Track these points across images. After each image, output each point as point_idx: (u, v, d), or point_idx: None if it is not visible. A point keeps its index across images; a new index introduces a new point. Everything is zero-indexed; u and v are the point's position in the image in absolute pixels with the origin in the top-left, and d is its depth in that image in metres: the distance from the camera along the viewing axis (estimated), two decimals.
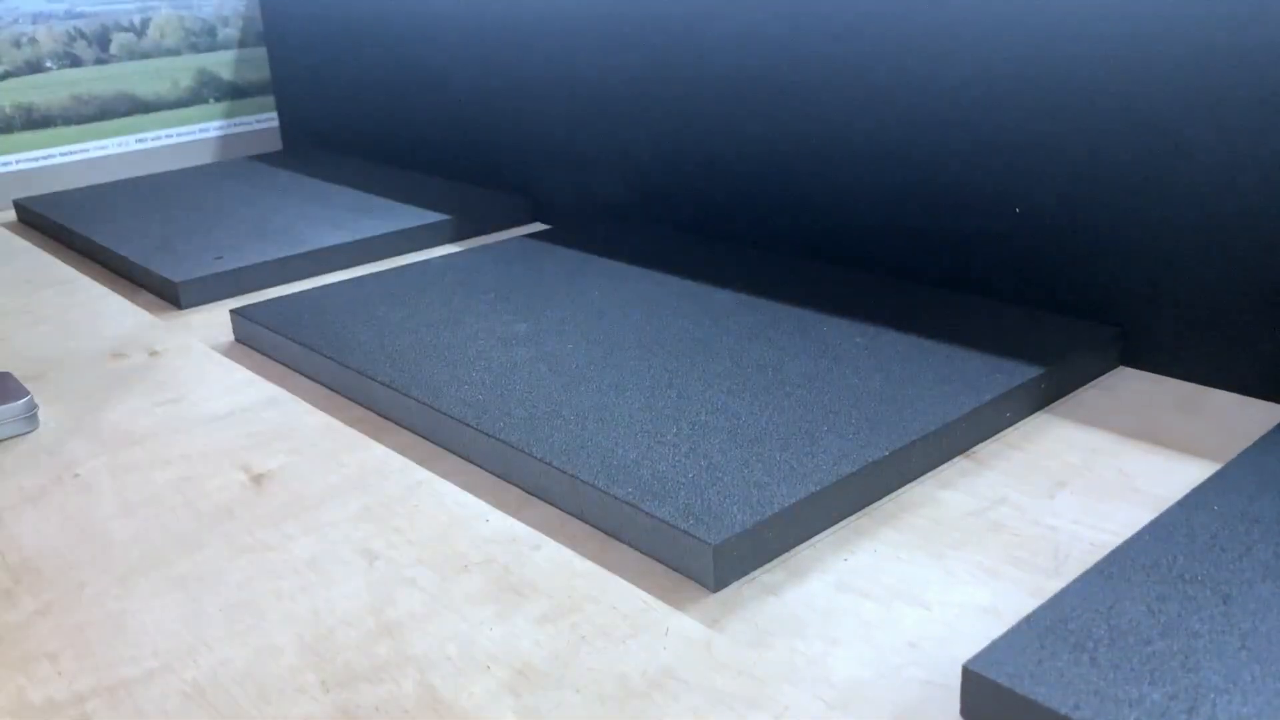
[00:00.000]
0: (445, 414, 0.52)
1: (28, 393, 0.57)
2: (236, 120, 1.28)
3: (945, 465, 0.49)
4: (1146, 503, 0.45)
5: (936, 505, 0.46)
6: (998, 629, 0.35)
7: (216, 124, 1.26)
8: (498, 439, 0.49)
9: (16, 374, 0.59)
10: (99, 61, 1.18)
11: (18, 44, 1.13)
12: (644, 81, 0.82)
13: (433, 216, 0.89)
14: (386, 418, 0.56)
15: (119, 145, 1.20)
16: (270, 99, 1.29)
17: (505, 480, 0.49)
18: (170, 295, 0.77)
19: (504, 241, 0.82)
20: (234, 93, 1.27)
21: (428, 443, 0.54)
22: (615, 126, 0.86)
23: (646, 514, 0.42)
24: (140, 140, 1.21)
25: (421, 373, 0.57)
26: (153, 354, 0.67)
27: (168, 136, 1.23)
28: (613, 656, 0.37)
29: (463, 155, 1.03)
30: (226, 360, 0.65)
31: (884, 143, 0.67)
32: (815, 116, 0.70)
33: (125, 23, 1.19)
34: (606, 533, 0.45)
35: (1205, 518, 0.40)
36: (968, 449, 0.50)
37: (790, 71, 0.71)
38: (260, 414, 0.57)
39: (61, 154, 1.17)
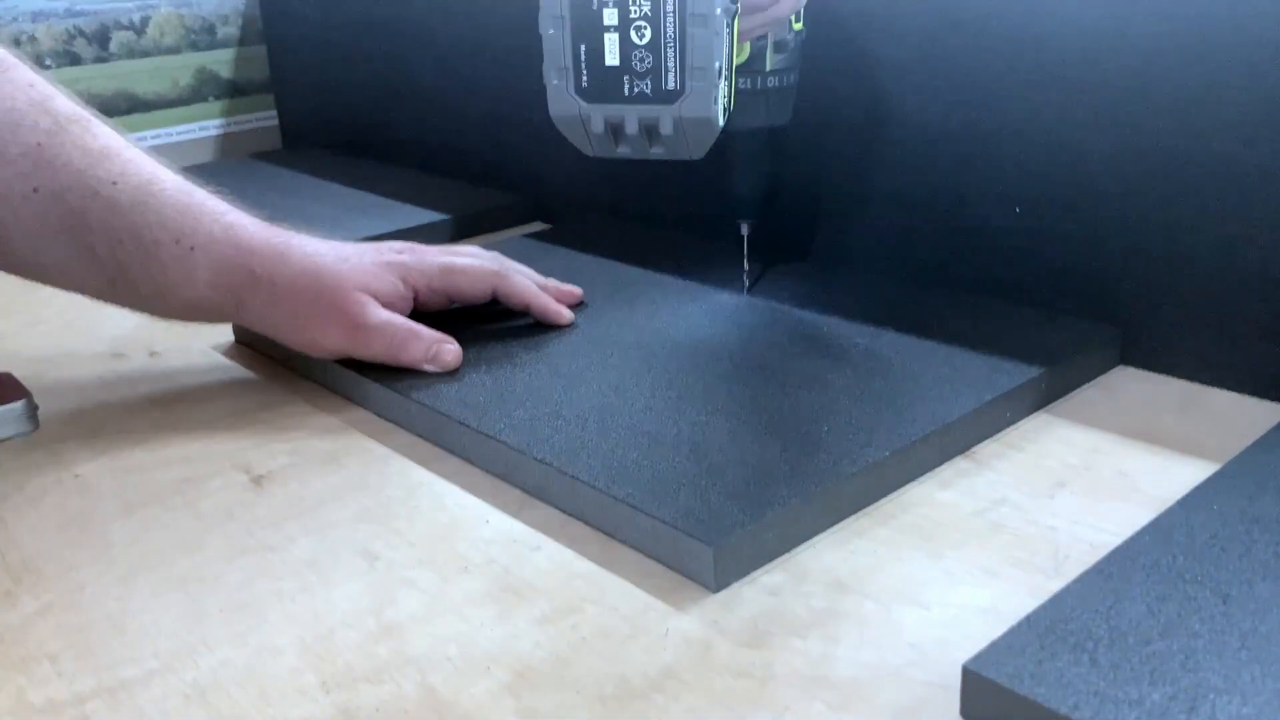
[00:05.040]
0: (445, 415, 0.52)
1: (28, 393, 0.57)
2: (236, 119, 1.28)
3: (945, 465, 0.49)
4: (1146, 503, 0.45)
5: (937, 506, 0.46)
6: (998, 629, 0.35)
7: (216, 122, 1.26)
8: (498, 440, 0.49)
9: (16, 374, 0.59)
10: (99, 60, 1.18)
11: (17, 42, 1.13)
12: None
13: (433, 216, 0.89)
14: (386, 418, 0.56)
15: None
16: (270, 97, 1.29)
17: (505, 481, 0.49)
18: None
19: (504, 241, 0.81)
20: (234, 91, 1.27)
21: (428, 444, 0.54)
22: None
23: (647, 515, 0.42)
24: (140, 139, 1.21)
25: (421, 373, 0.57)
26: (153, 354, 0.67)
27: (167, 135, 1.23)
28: (613, 657, 0.37)
29: (463, 155, 1.03)
30: (226, 360, 0.65)
31: (884, 142, 0.67)
32: (814, 116, 0.70)
33: (125, 21, 1.19)
34: (607, 534, 0.45)
35: (1205, 518, 0.40)
36: (968, 449, 0.50)
37: None
38: (260, 414, 0.57)
39: None
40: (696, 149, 0.47)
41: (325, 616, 0.40)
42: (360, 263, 0.59)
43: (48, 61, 1.15)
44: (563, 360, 0.58)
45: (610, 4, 0.45)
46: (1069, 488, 0.47)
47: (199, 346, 0.68)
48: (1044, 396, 0.54)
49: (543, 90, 0.49)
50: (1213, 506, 0.41)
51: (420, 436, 0.54)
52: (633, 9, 0.45)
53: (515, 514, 0.47)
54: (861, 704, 0.35)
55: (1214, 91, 0.52)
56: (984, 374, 0.53)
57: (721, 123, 0.47)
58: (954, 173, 0.64)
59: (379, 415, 0.57)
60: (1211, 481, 0.43)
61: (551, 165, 0.93)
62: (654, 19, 0.44)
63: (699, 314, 0.64)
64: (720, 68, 0.45)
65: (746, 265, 0.66)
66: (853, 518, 0.45)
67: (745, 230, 0.65)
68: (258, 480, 0.50)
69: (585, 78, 0.46)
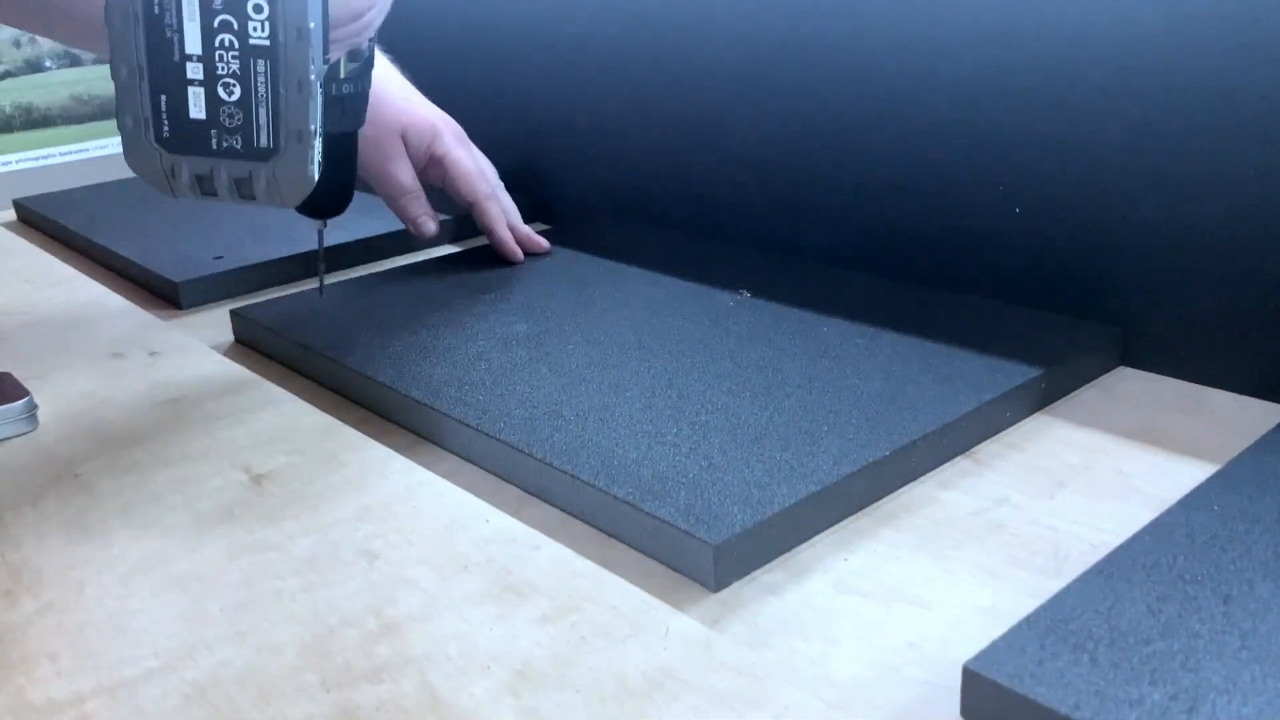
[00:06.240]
0: (445, 414, 0.52)
1: (28, 393, 0.57)
2: None
3: (945, 465, 0.49)
4: (1146, 503, 0.45)
5: (937, 505, 0.46)
6: (998, 629, 0.35)
7: None
8: (498, 439, 0.49)
9: (16, 374, 0.59)
10: (99, 61, 1.18)
11: (17, 44, 1.13)
12: (645, 81, 0.82)
13: None
14: (386, 418, 0.56)
15: (119, 145, 1.20)
16: None
17: (505, 480, 0.49)
18: (170, 295, 0.77)
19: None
20: None
21: (428, 443, 0.54)
22: (616, 126, 0.86)
23: (647, 514, 0.42)
24: None
25: (421, 373, 0.57)
26: (153, 354, 0.67)
27: None
28: (613, 656, 0.37)
29: None
30: (226, 360, 0.65)
31: (884, 143, 0.67)
32: (815, 117, 0.70)
33: None
34: (606, 533, 0.45)
35: (1205, 518, 0.40)
36: (968, 449, 0.50)
37: (790, 71, 0.71)
38: (260, 414, 0.57)
39: (61, 154, 1.17)
40: (290, 200, 0.46)
41: (325, 615, 0.40)
42: (416, 110, 0.73)
43: (48, 63, 1.15)
44: (563, 360, 0.58)
45: (195, 59, 0.43)
46: (1069, 488, 0.47)
47: (199, 346, 0.68)
48: (1044, 397, 0.54)
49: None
50: (1213, 506, 0.41)
51: (420, 435, 0.54)
52: (220, 66, 0.43)
53: (515, 513, 0.47)
54: (861, 704, 0.35)
55: (1214, 91, 0.52)
56: (984, 374, 0.53)
57: (316, 177, 0.46)
58: (954, 173, 0.64)
59: (379, 414, 0.57)
60: (1211, 481, 0.43)
61: (552, 165, 0.93)
62: (244, 78, 0.43)
63: (699, 314, 0.64)
64: (315, 129, 0.45)
65: (323, 266, 0.69)
66: (853, 518, 0.45)
67: (322, 228, 0.67)
68: (258, 480, 0.50)
69: (167, 128, 0.44)
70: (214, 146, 0.45)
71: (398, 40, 1.06)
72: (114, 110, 0.46)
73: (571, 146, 0.90)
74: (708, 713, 0.34)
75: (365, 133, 0.65)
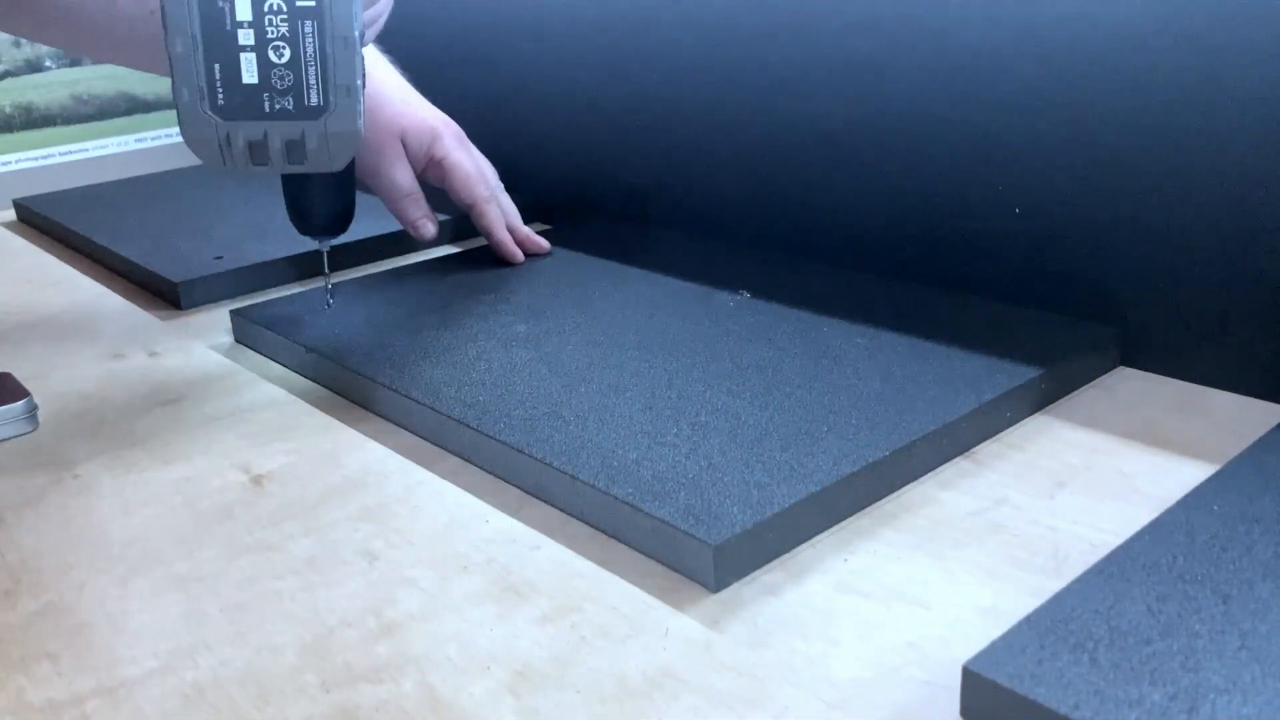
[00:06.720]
0: (445, 414, 0.52)
1: (28, 393, 0.57)
2: None
3: (945, 466, 0.49)
4: (1146, 503, 0.45)
5: (936, 505, 0.46)
6: (998, 629, 0.35)
7: None
8: (497, 439, 0.49)
9: (16, 374, 0.59)
10: (99, 61, 1.18)
11: (18, 44, 1.13)
12: (645, 82, 0.82)
13: None
14: (386, 418, 0.56)
15: (119, 145, 1.20)
16: None
17: (505, 481, 0.49)
18: (170, 295, 0.77)
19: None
20: None
21: (427, 443, 0.54)
22: (616, 126, 0.86)
23: (647, 514, 0.42)
24: (140, 140, 1.21)
25: (421, 373, 0.57)
26: (153, 354, 0.67)
27: (168, 136, 1.23)
28: (613, 657, 0.37)
29: None
30: (226, 360, 0.65)
31: (884, 143, 0.67)
32: (815, 117, 0.70)
33: None
34: (606, 533, 0.45)
35: (1205, 518, 0.40)
36: (968, 449, 0.50)
37: (790, 72, 0.71)
38: (260, 414, 0.57)
39: (61, 154, 1.17)
40: (338, 161, 0.49)
41: (325, 616, 0.40)
42: (415, 113, 0.72)
43: (48, 63, 1.15)
44: (563, 360, 0.58)
45: (245, 25, 0.46)
46: (1069, 488, 0.47)
47: (199, 347, 0.68)
48: (1044, 397, 0.54)
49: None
50: (1213, 506, 0.41)
51: (420, 436, 0.54)
52: (269, 30, 0.46)
53: (515, 513, 0.47)
54: (861, 704, 0.35)
55: (1214, 92, 0.52)
56: (984, 374, 0.53)
57: (363, 131, 0.49)
58: (954, 173, 0.64)
59: (379, 415, 0.57)
60: (1211, 481, 0.43)
61: (551, 165, 0.93)
62: (292, 39, 0.46)
63: (699, 314, 0.64)
64: (361, 83, 0.48)
65: (330, 285, 0.69)
66: (853, 518, 0.45)
67: (326, 248, 0.68)
68: (258, 480, 0.50)
69: (221, 96, 0.47)
70: (266, 109, 0.47)
71: (396, 40, 1.06)
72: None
73: (571, 146, 0.90)
74: (708, 713, 0.34)
75: (365, 135, 0.65)
